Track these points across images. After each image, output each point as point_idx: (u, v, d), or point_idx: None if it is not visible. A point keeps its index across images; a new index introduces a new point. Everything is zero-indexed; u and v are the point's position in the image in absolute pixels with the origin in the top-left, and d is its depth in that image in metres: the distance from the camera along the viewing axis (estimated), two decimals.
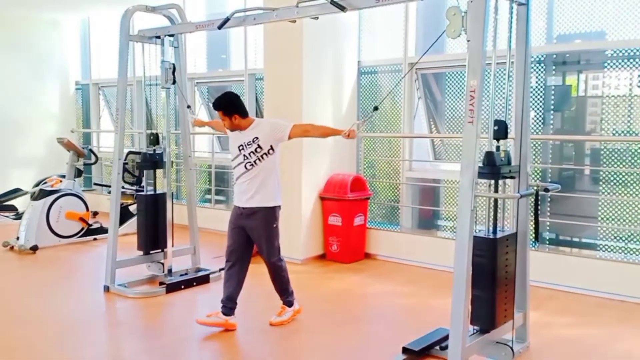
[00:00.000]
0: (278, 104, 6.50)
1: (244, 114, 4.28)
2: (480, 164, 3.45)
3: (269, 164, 4.25)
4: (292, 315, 4.57)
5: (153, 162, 5.63)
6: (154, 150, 5.64)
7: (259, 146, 4.22)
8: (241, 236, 4.39)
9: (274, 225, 4.35)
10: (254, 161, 4.23)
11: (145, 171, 5.91)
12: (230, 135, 4.40)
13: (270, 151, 4.24)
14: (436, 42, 3.73)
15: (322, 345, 4.16)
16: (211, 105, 4.49)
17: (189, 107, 5.37)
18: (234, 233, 4.40)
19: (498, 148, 3.58)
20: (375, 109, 4.07)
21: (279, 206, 4.37)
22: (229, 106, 4.25)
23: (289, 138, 4.26)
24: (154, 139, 5.62)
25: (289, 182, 6.43)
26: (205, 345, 4.26)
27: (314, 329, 4.51)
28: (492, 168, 3.47)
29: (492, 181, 3.54)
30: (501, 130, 3.55)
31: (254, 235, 4.37)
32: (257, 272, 4.93)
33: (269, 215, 4.31)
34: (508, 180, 3.70)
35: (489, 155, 3.49)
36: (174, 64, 5.43)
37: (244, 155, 4.26)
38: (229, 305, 4.40)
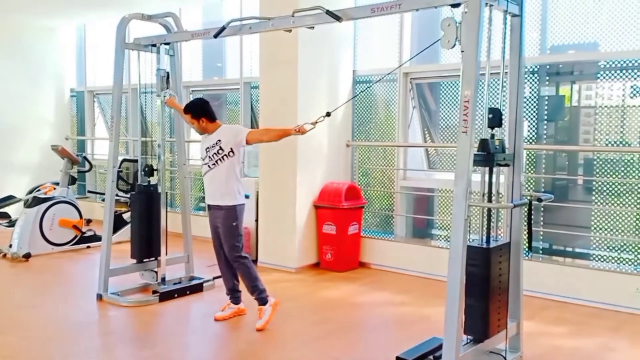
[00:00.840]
0: (273, 112, 6.52)
1: (211, 118, 4.68)
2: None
3: (229, 165, 4.58)
4: (273, 310, 4.66)
5: (148, 194, 5.62)
6: (149, 181, 5.65)
7: (221, 148, 4.56)
8: (217, 233, 4.71)
9: (234, 224, 4.62)
10: (216, 161, 4.58)
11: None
12: (201, 138, 4.79)
13: (231, 153, 4.57)
14: (431, 52, 3.76)
15: (315, 355, 4.15)
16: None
17: (168, 88, 5.47)
18: (212, 231, 4.75)
19: (492, 136, 3.61)
20: (328, 114, 4.29)
21: (241, 205, 4.68)
22: (197, 110, 4.66)
23: (248, 143, 4.58)
24: (149, 171, 5.63)
25: (284, 191, 6.44)
26: (198, 354, 4.24)
27: (308, 337, 4.50)
28: (487, 155, 3.50)
29: (487, 191, 3.55)
30: (496, 118, 3.58)
31: (220, 232, 4.67)
32: None
33: (230, 213, 4.61)
34: (502, 191, 3.71)
35: (483, 143, 3.52)
36: (167, 72, 5.44)
37: (209, 157, 4.62)
38: (234, 295, 4.85)
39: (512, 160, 3.70)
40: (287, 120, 6.26)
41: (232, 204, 4.61)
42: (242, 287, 4.80)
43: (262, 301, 4.66)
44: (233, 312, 4.84)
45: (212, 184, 4.65)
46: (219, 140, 4.58)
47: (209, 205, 4.73)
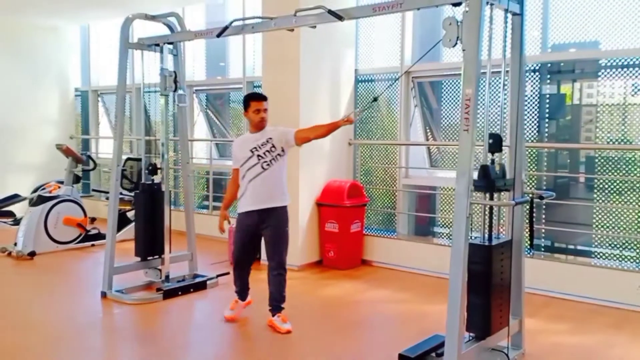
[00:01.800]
0: (276, 111, 6.48)
1: None
2: (476, 177, 3.48)
3: (282, 164, 4.47)
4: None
5: (151, 192, 5.66)
6: (152, 180, 5.69)
7: (273, 146, 4.41)
8: (250, 242, 4.61)
9: (287, 228, 4.57)
10: (270, 161, 4.40)
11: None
12: (239, 140, 4.63)
13: (282, 153, 4.45)
14: (432, 51, 3.78)
15: (318, 352, 4.18)
16: (244, 100, 4.55)
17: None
18: (245, 238, 4.57)
19: (493, 161, 3.61)
20: (375, 99, 4.21)
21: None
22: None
23: (297, 143, 4.44)
24: (153, 170, 5.66)
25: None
26: (202, 351, 4.27)
27: (310, 335, 4.53)
28: (487, 181, 3.49)
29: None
30: (496, 143, 3.58)
31: (273, 236, 4.51)
32: (254, 278, 4.95)
33: (285, 215, 4.53)
34: (506, 163, 3.73)
35: (484, 169, 3.52)
36: (175, 72, 5.47)
37: (259, 156, 4.40)
38: (244, 294, 4.84)
39: (512, 185, 3.70)
40: (289, 119, 6.30)
41: (287, 203, 4.54)
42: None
43: (282, 308, 4.62)
44: (243, 306, 4.85)
45: (265, 184, 4.42)
46: (270, 139, 4.42)
47: (252, 211, 4.46)
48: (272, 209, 4.45)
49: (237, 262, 4.73)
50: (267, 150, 4.41)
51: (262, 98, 4.48)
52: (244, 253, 4.67)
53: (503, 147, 3.68)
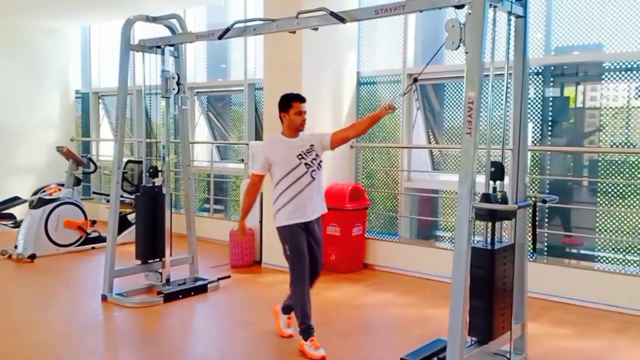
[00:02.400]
0: (277, 113, 6.49)
1: None
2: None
3: (322, 172, 4.22)
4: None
5: (152, 195, 5.64)
6: (153, 183, 5.67)
7: (317, 154, 4.15)
8: (313, 249, 4.20)
9: None
10: (316, 168, 4.12)
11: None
12: (271, 144, 4.28)
13: (321, 159, 4.21)
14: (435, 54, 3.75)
15: None
16: (280, 101, 4.21)
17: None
18: (305, 248, 4.12)
19: (495, 189, 3.58)
20: (415, 80, 3.99)
21: None
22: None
23: (332, 147, 4.20)
24: (154, 172, 5.63)
25: None
26: (202, 355, 4.25)
27: None
28: (489, 210, 3.46)
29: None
30: (497, 172, 3.54)
31: (318, 245, 4.24)
32: (257, 282, 4.94)
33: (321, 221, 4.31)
34: (508, 191, 3.70)
35: (485, 197, 3.49)
36: (178, 74, 5.45)
37: (306, 164, 4.08)
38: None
39: (514, 214, 3.66)
40: None
41: (324, 211, 4.30)
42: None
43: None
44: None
45: (314, 194, 4.13)
46: (312, 145, 4.13)
47: (304, 223, 4.10)
48: (318, 218, 4.21)
49: (304, 277, 4.12)
50: (314, 158, 4.11)
51: (304, 99, 4.17)
52: (308, 266, 4.16)
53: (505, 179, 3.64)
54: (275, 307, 4.51)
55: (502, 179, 3.57)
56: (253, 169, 4.22)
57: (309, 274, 4.14)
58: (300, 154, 4.07)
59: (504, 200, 3.60)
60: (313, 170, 4.08)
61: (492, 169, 3.54)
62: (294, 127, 4.13)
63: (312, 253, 4.17)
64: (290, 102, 4.14)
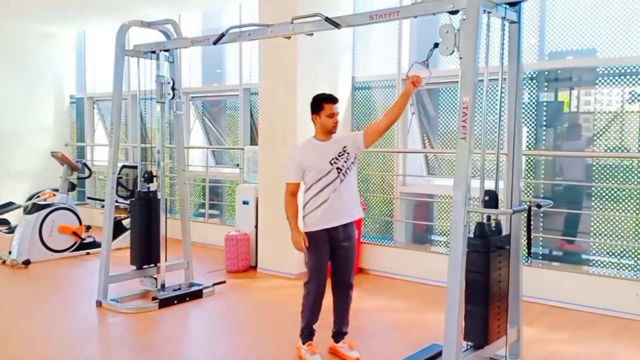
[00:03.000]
0: (273, 118, 6.53)
1: None
2: (471, 235, 3.43)
3: (355, 173, 4.06)
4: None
5: (147, 200, 5.63)
6: (148, 188, 5.66)
7: (349, 154, 3.96)
8: (334, 256, 4.04)
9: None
10: (346, 171, 3.93)
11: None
12: (305, 150, 4.01)
13: (355, 160, 4.03)
14: (430, 58, 3.74)
15: None
16: (312, 101, 3.98)
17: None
18: (326, 258, 4.01)
19: (489, 218, 3.59)
20: (436, 45, 3.50)
21: None
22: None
23: (365, 145, 3.96)
24: (148, 177, 5.62)
25: (283, 198, 6.42)
26: None
27: None
28: (483, 240, 3.45)
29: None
30: (492, 201, 3.53)
31: (347, 254, 4.04)
32: (252, 287, 4.93)
33: (355, 227, 4.11)
34: (501, 197, 3.71)
35: (480, 227, 3.49)
36: (173, 79, 5.45)
37: (338, 169, 3.91)
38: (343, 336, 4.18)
39: (508, 242, 3.64)
40: (286, 126, 6.31)
41: (361, 215, 4.14)
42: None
43: (346, 333, 4.21)
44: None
45: (343, 198, 3.93)
46: (345, 147, 3.94)
47: (330, 229, 3.94)
48: (350, 223, 4.01)
49: (320, 288, 4.04)
50: (345, 161, 3.93)
51: (336, 100, 3.96)
52: (326, 274, 4.06)
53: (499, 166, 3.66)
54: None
55: (496, 207, 3.51)
56: (288, 178, 4.01)
57: (336, 288, 4.10)
58: (332, 160, 3.90)
59: (499, 230, 3.60)
60: (344, 173, 3.91)
61: (486, 198, 3.51)
62: (326, 130, 3.94)
63: (336, 265, 4.03)
64: (321, 104, 3.92)
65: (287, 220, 4.01)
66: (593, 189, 5.62)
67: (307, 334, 4.10)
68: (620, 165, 5.45)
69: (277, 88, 6.46)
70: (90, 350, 4.45)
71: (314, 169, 3.90)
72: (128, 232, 6.57)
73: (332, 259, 4.03)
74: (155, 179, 5.63)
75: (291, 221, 4.01)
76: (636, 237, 5.40)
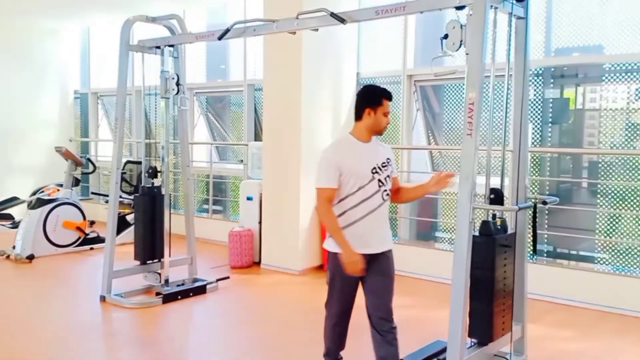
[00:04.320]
0: (277, 114, 6.52)
1: None
2: (476, 233, 3.41)
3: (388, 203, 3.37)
4: None
5: (151, 195, 5.63)
6: (152, 183, 5.66)
7: (392, 170, 3.35)
8: (356, 289, 3.43)
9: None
10: (386, 192, 3.28)
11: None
12: (343, 148, 3.31)
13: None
14: (435, 54, 3.72)
15: (318, 357, 4.13)
16: (358, 97, 3.40)
17: None
18: (351, 289, 3.40)
19: (494, 216, 3.57)
20: (445, 37, 3.33)
21: None
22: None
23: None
24: (153, 173, 5.62)
25: (287, 193, 6.43)
26: (201, 355, 4.24)
27: (310, 340, 4.48)
28: (488, 238, 3.44)
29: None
30: (497, 199, 3.51)
31: (384, 284, 3.39)
32: (256, 283, 4.93)
33: (393, 257, 3.44)
34: (506, 194, 3.70)
35: (485, 225, 3.47)
36: (178, 75, 5.44)
37: (380, 181, 3.25)
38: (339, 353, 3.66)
39: (513, 241, 3.62)
40: (290, 123, 6.30)
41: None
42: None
43: None
44: None
45: (381, 221, 3.31)
46: (389, 159, 3.35)
47: (369, 254, 3.25)
48: (386, 251, 3.36)
49: (342, 315, 3.50)
50: (388, 175, 3.29)
51: (390, 97, 3.34)
52: (352, 301, 3.47)
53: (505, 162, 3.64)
54: None
55: (501, 204, 3.51)
56: (320, 182, 3.21)
57: (349, 316, 3.51)
58: (375, 168, 3.24)
59: (504, 228, 3.58)
60: (385, 191, 3.26)
61: (492, 196, 3.50)
62: (376, 130, 3.32)
63: (376, 287, 3.37)
64: (380, 99, 3.26)
65: (331, 234, 3.24)
66: (598, 186, 5.59)
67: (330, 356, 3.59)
68: (626, 162, 5.42)
69: (282, 84, 6.44)
70: (94, 345, 4.45)
71: (354, 173, 3.18)
72: (132, 228, 6.56)
73: (369, 289, 3.41)
74: (159, 174, 5.63)
75: (338, 235, 3.20)
76: None
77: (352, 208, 3.21)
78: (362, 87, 3.40)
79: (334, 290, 3.45)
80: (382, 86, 3.37)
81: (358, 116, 3.35)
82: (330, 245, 3.32)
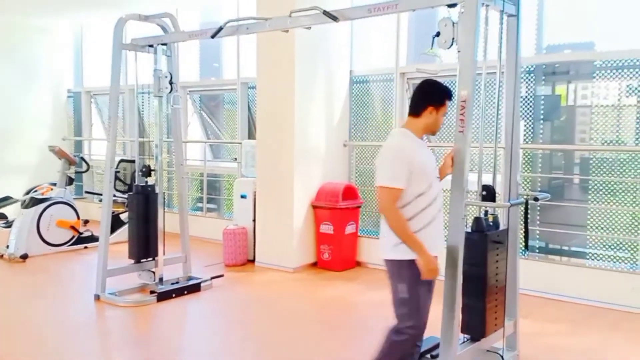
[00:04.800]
0: (270, 112, 6.53)
1: None
2: (469, 229, 3.42)
3: None
4: None
5: (145, 194, 5.63)
6: (146, 182, 5.66)
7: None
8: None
9: None
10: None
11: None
12: (413, 145, 3.12)
13: None
14: (428, 51, 3.74)
15: (314, 355, 4.16)
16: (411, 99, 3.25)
17: None
18: (431, 295, 3.23)
19: (486, 213, 3.59)
20: (437, 34, 3.28)
21: None
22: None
23: None
24: (146, 171, 5.62)
25: (281, 191, 6.44)
26: (196, 354, 4.25)
27: (305, 337, 4.51)
28: (480, 234, 3.45)
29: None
30: (489, 195, 3.53)
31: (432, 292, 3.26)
32: (250, 281, 4.94)
33: None
34: (498, 190, 3.72)
35: (477, 221, 3.49)
36: (171, 73, 5.44)
37: (438, 178, 3.21)
38: None
39: (506, 237, 3.64)
40: (284, 120, 6.31)
41: None
42: None
43: None
44: None
45: (439, 220, 3.18)
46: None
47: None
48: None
49: (423, 328, 3.20)
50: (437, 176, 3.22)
51: (451, 96, 3.23)
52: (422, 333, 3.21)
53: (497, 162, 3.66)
54: None
55: (493, 200, 3.53)
56: (388, 181, 2.98)
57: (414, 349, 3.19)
58: (436, 167, 3.20)
59: (496, 224, 3.61)
60: (440, 191, 3.17)
61: (484, 193, 3.52)
62: (431, 130, 3.20)
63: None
64: (444, 99, 3.15)
65: (405, 239, 2.99)
66: (590, 182, 5.63)
67: None
68: (616, 158, 5.46)
69: (275, 82, 6.45)
70: (89, 344, 4.46)
71: (424, 170, 3.03)
72: (126, 226, 6.57)
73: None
74: (153, 173, 5.63)
75: (414, 240, 2.97)
76: (632, 230, 5.42)
77: (425, 209, 3.05)
78: (425, 81, 3.23)
79: (419, 302, 3.10)
80: (445, 84, 3.23)
81: (417, 112, 3.17)
82: (403, 253, 3.02)
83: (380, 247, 3.21)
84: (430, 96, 3.16)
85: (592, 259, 5.60)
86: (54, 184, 7.72)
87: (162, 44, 5.41)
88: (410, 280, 3.06)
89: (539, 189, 5.86)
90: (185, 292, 5.51)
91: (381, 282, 6.05)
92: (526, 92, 5.85)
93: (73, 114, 10.98)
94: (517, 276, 3.89)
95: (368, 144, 7.08)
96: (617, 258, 5.47)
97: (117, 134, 5.61)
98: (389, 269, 3.15)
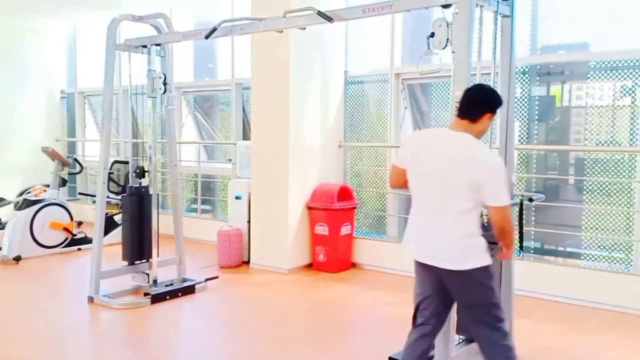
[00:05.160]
0: (265, 113, 6.51)
1: None
2: None
3: None
4: None
5: (139, 195, 5.60)
6: (140, 183, 5.63)
7: None
8: None
9: None
10: None
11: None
12: None
13: None
14: (422, 52, 3.74)
15: (309, 356, 4.14)
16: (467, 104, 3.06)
17: None
18: None
19: (481, 214, 3.58)
20: (432, 35, 3.32)
21: None
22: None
23: None
24: (140, 173, 5.59)
25: (276, 192, 6.43)
26: (190, 356, 4.23)
27: (300, 339, 4.50)
28: None
29: None
30: None
31: None
32: (245, 282, 4.92)
33: None
34: None
35: None
36: (165, 74, 5.42)
37: None
38: None
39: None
40: (279, 121, 6.30)
41: None
42: None
43: None
44: None
45: None
46: None
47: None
48: None
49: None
50: None
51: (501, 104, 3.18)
52: None
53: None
54: None
55: None
56: (507, 199, 2.99)
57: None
58: None
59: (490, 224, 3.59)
60: None
61: None
62: (481, 135, 3.14)
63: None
64: (496, 109, 3.10)
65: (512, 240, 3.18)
66: (584, 182, 5.64)
67: None
68: (611, 159, 5.47)
69: (270, 83, 6.44)
70: (82, 346, 4.43)
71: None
72: (120, 228, 6.52)
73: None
74: (147, 174, 5.60)
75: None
76: (627, 231, 5.43)
77: (481, 216, 3.17)
78: (483, 87, 3.20)
79: (500, 303, 3.12)
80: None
81: (475, 117, 3.02)
82: (487, 258, 3.06)
83: (460, 260, 3.04)
84: (491, 103, 3.07)
85: (587, 260, 5.61)
86: (47, 186, 7.68)
87: (156, 45, 5.39)
88: (492, 283, 3.09)
89: (533, 190, 5.86)
90: (180, 294, 5.48)
91: (376, 283, 6.07)
92: (521, 92, 5.86)
93: (66, 115, 10.93)
94: (513, 277, 3.88)
95: (363, 144, 7.08)
96: (612, 259, 5.48)
97: (111, 135, 5.56)
98: (477, 277, 3.03)
